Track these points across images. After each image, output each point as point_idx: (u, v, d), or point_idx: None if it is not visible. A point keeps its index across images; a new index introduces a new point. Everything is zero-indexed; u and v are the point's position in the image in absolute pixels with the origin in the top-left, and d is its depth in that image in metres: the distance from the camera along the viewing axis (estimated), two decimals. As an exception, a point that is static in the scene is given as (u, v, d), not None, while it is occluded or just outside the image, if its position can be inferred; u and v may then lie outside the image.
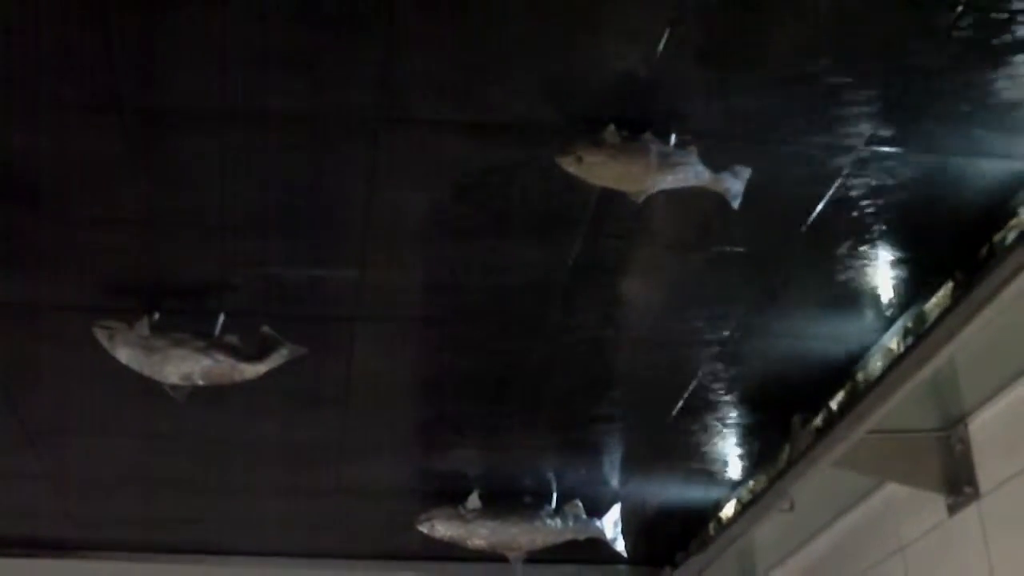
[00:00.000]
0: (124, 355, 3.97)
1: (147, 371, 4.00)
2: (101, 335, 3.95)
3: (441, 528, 5.45)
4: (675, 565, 6.42)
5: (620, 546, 5.70)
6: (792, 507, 5.24)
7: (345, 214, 3.64)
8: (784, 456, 4.99)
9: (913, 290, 4.03)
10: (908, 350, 4.11)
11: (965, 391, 4.44)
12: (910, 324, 4.13)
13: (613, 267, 3.96)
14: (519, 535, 5.50)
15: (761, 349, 4.39)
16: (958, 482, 4.58)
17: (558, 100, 3.22)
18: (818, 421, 4.67)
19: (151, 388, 4.14)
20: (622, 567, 6.65)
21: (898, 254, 3.86)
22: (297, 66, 3.08)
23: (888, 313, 4.17)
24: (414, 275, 3.97)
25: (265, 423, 4.95)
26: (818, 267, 3.95)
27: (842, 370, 4.46)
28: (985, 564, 4.44)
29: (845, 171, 3.47)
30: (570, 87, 3.17)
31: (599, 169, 3.25)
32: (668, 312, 4.23)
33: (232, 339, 4.01)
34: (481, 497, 5.47)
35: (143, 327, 3.94)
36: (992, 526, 4.43)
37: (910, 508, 4.91)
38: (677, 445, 5.19)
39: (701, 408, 4.81)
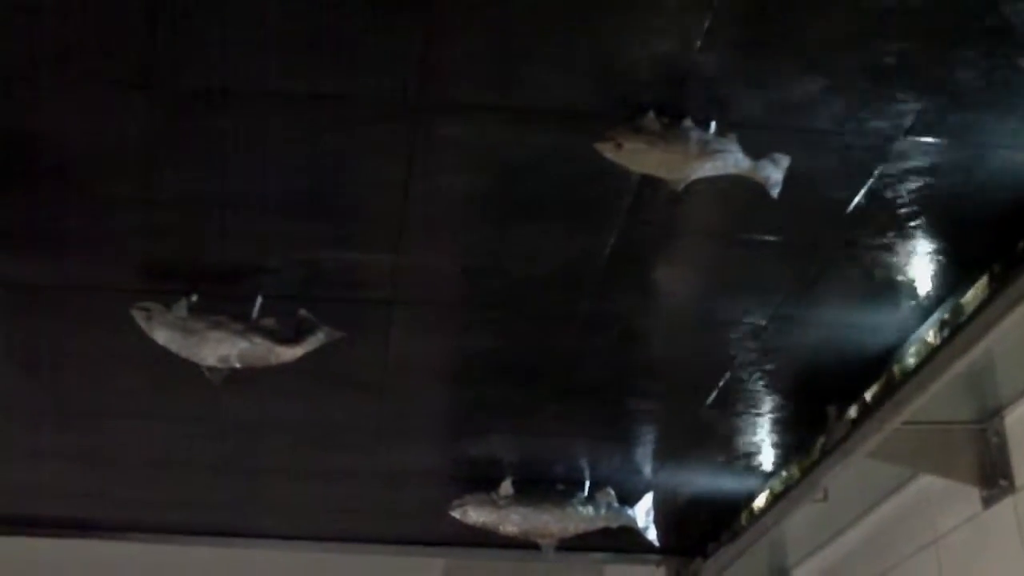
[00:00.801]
0: (162, 337, 3.98)
1: (184, 353, 4.02)
2: (139, 316, 3.97)
3: (474, 514, 5.46)
4: (706, 555, 6.41)
5: (652, 535, 5.70)
6: (826, 497, 5.24)
7: (383, 198, 3.64)
8: (818, 446, 4.98)
9: (950, 282, 4.02)
10: (944, 342, 4.11)
11: (1002, 384, 4.43)
12: (947, 316, 4.12)
13: (649, 255, 3.96)
14: (551, 522, 5.50)
15: (797, 339, 4.38)
16: (993, 475, 4.57)
17: (598, 86, 3.22)
18: (853, 412, 4.65)
19: (187, 371, 4.16)
20: (653, 556, 6.66)
21: (936, 246, 3.84)
22: (337, 47, 3.08)
23: (925, 305, 4.16)
24: (451, 260, 3.98)
25: (300, 406, 4.96)
26: (855, 257, 3.93)
27: (878, 361, 4.45)
28: (1021, 558, 4.43)
29: (884, 161, 3.46)
30: (610, 73, 3.17)
31: (638, 156, 3.25)
32: (704, 300, 4.23)
33: (269, 322, 4.03)
34: (514, 484, 5.47)
35: (181, 309, 3.96)
36: (1027, 520, 4.43)
37: (944, 501, 4.90)
38: (710, 434, 5.18)
39: (735, 397, 4.81)
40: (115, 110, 3.30)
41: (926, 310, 4.18)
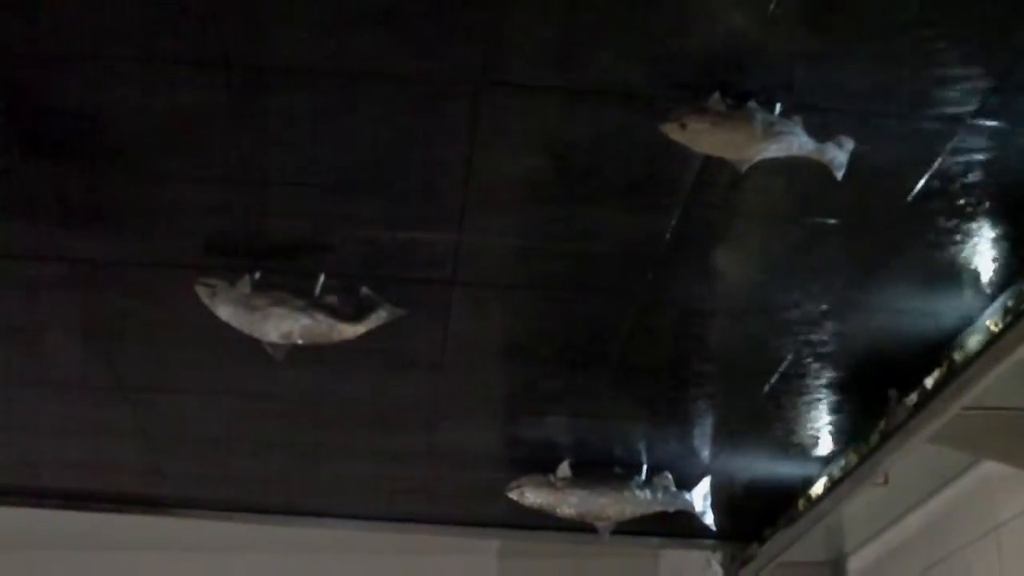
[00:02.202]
0: (225, 312, 4.01)
1: (247, 329, 4.05)
2: (203, 292, 4.00)
3: (531, 496, 5.46)
4: (762, 540, 6.39)
5: (709, 519, 5.70)
6: (886, 481, 5.21)
7: (444, 177, 3.66)
8: (878, 431, 4.95)
9: (1014, 268, 3.99)
10: (1007, 328, 4.08)
11: (1066, 369, 4.38)
12: (1010, 303, 4.09)
13: (710, 237, 3.96)
14: (608, 505, 5.50)
15: (858, 324, 4.36)
16: (1056, 461, 4.54)
17: (663, 67, 3.21)
18: (914, 396, 4.62)
19: (247, 347, 4.19)
20: (708, 541, 6.64)
21: (1000, 231, 3.82)
22: (400, 26, 3.09)
23: (987, 291, 4.12)
24: (512, 240, 3.99)
25: (359, 384, 4.99)
26: (918, 242, 3.92)
27: (939, 346, 4.42)
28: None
29: (949, 145, 3.44)
30: (675, 54, 3.17)
31: (703, 136, 3.25)
32: (764, 284, 4.22)
33: (331, 299, 4.05)
34: (571, 466, 5.47)
35: (244, 285, 3.99)
36: (1090, 507, 4.40)
37: (1006, 487, 4.87)
38: (769, 419, 5.17)
39: (795, 382, 4.79)
40: (181, 88, 3.32)
41: (989, 296, 4.15)
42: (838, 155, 3.38)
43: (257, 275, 4.00)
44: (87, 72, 3.26)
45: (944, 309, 4.25)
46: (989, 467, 4.93)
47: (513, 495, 5.48)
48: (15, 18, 3.08)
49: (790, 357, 4.58)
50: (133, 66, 3.23)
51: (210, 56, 3.17)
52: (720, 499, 5.79)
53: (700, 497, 5.65)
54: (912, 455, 4.77)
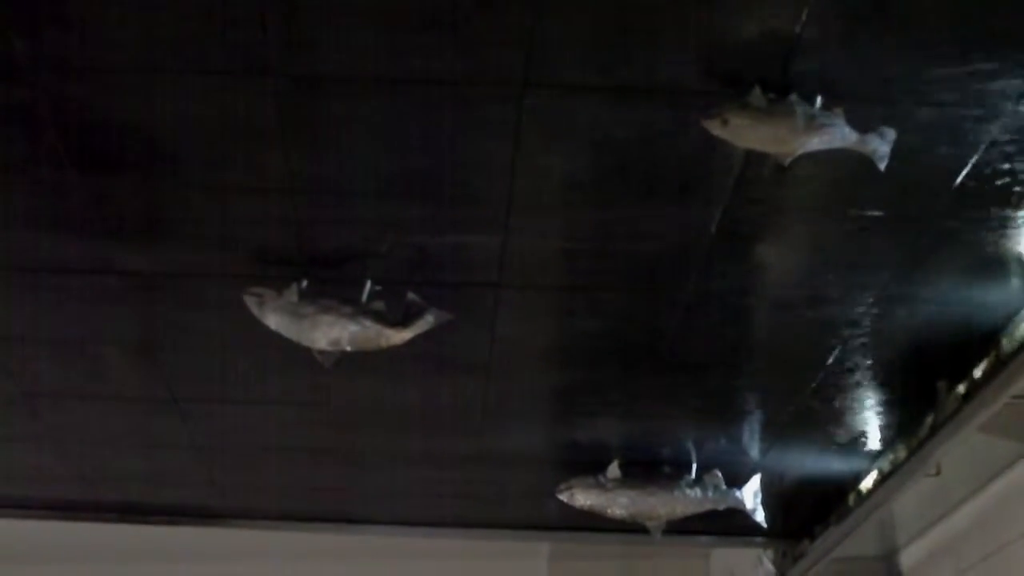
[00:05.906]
0: (273, 321, 4.04)
1: (296, 337, 4.07)
2: (251, 302, 4.03)
3: (581, 497, 5.48)
4: (813, 537, 6.38)
5: (760, 517, 5.70)
6: (939, 472, 5.19)
7: (490, 179, 3.67)
8: (928, 423, 4.95)
9: (1061, 255, 3.99)
10: (1055, 315, 4.07)
11: (1116, 355, 4.37)
12: (1057, 290, 4.08)
13: (755, 232, 3.95)
14: (659, 505, 5.51)
15: (905, 315, 4.35)
16: (1108, 449, 4.53)
17: (703, 63, 3.22)
18: (963, 387, 4.62)
19: (296, 356, 4.21)
20: (759, 539, 6.64)
21: (1046, 218, 3.81)
22: (442, 29, 3.10)
23: (1035, 279, 4.12)
24: (557, 241, 3.99)
25: (407, 390, 5.00)
26: (964, 232, 3.91)
27: (988, 336, 4.41)
28: None
29: (993, 134, 3.43)
30: (716, 49, 3.18)
31: (745, 132, 3.25)
32: (810, 278, 4.21)
33: (379, 305, 4.06)
34: (621, 466, 5.48)
35: (292, 294, 4.01)
36: None
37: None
38: (818, 414, 5.16)
39: (842, 376, 4.78)
40: (226, 98, 3.34)
41: (1036, 284, 4.15)
42: (881, 146, 3.39)
43: (304, 283, 4.03)
44: (137, 85, 3.29)
45: (991, 298, 4.25)
46: (1041, 456, 4.93)
47: (563, 497, 5.50)
48: (64, 32, 3.11)
49: (837, 351, 4.57)
50: (182, 78, 3.26)
51: (258, 66, 3.20)
52: (770, 496, 5.79)
53: (750, 495, 5.65)
54: (963, 447, 4.76)
